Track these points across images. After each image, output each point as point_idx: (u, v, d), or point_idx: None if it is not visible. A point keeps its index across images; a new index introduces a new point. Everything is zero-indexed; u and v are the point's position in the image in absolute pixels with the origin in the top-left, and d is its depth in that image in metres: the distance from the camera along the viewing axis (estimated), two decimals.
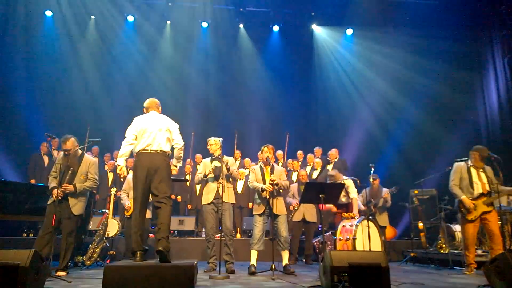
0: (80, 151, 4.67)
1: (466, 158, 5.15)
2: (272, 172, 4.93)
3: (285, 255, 4.90)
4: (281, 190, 4.96)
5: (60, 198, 4.35)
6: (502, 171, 4.86)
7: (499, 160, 4.84)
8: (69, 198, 4.42)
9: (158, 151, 3.78)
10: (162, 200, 3.68)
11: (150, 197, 3.84)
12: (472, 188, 4.92)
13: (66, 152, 4.51)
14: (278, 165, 5.66)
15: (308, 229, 6.47)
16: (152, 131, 3.84)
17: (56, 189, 4.36)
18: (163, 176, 3.72)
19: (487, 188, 4.89)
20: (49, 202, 4.46)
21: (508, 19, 8.83)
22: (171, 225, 6.92)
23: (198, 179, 5.21)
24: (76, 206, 4.48)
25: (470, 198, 4.91)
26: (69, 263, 4.56)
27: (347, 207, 5.97)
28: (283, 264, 4.87)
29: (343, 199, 5.99)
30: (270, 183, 4.75)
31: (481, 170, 5.00)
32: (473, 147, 5.12)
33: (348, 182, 5.98)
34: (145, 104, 4.16)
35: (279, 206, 4.86)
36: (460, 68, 9.93)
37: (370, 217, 5.49)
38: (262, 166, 5.07)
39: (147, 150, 3.77)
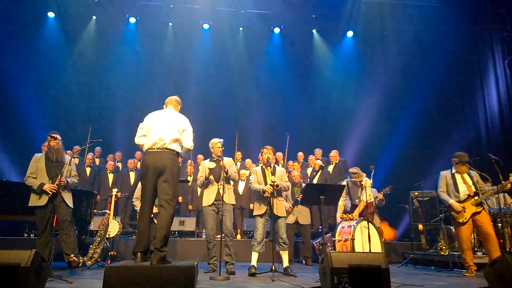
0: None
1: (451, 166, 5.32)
2: (273, 173, 4.94)
3: (285, 256, 4.91)
4: (282, 189, 4.97)
5: (55, 191, 4.40)
6: (501, 173, 4.87)
7: (499, 162, 4.86)
8: (62, 192, 4.52)
9: (164, 150, 3.62)
10: (162, 203, 3.51)
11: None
12: (458, 192, 5.10)
13: (55, 143, 4.53)
14: (278, 166, 5.67)
15: (303, 231, 6.48)
16: (159, 127, 3.70)
17: (48, 185, 4.42)
18: (167, 176, 3.54)
19: (473, 189, 5.04)
20: (39, 203, 4.41)
21: (509, 21, 8.85)
22: (171, 226, 7.01)
23: (201, 182, 5.14)
24: (69, 200, 4.63)
25: (458, 201, 5.05)
26: (66, 262, 4.65)
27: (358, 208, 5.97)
28: (284, 266, 4.88)
29: (357, 200, 5.96)
30: (270, 185, 4.76)
31: (466, 174, 5.17)
32: (454, 154, 5.32)
33: (368, 183, 5.94)
34: (166, 99, 4.09)
35: (279, 207, 4.87)
36: (460, 70, 9.95)
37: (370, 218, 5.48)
38: (264, 167, 5.08)
39: (154, 149, 3.62)
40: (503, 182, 4.96)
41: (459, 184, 5.13)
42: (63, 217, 4.52)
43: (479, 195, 4.97)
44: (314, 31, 10.99)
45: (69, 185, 4.62)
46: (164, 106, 4.03)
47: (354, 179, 5.92)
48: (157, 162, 3.56)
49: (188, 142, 3.83)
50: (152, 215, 3.75)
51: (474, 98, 9.82)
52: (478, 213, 4.93)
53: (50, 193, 4.40)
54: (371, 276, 3.19)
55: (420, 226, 7.15)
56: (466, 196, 5.04)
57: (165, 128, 3.71)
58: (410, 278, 4.63)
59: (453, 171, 5.24)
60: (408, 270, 5.84)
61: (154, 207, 3.75)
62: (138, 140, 3.84)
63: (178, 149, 3.74)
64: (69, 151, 7.96)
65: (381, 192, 6.29)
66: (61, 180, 4.42)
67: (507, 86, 8.86)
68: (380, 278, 3.19)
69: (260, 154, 5.33)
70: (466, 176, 5.16)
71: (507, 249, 5.43)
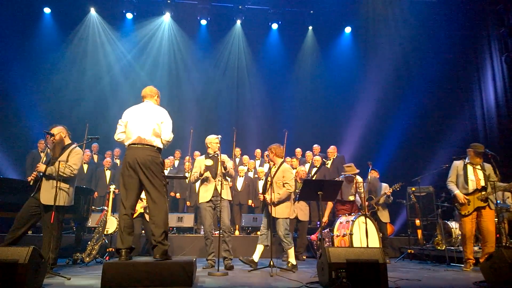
0: (68, 141, 4.49)
1: (464, 156, 5.23)
2: (276, 172, 4.95)
3: (289, 253, 4.88)
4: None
5: (32, 178, 4.20)
6: (498, 168, 4.90)
7: (496, 157, 4.88)
8: (42, 186, 4.15)
9: (145, 146, 3.57)
10: (154, 199, 3.48)
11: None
12: (467, 184, 5.04)
13: (52, 139, 4.31)
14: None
15: (300, 227, 6.51)
16: (137, 123, 3.64)
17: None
18: (151, 172, 3.50)
19: (482, 184, 4.99)
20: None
21: (506, 17, 8.85)
22: (169, 222, 7.01)
23: (194, 178, 5.11)
24: (47, 195, 4.11)
25: (465, 194, 5.02)
26: (65, 259, 4.51)
27: (352, 205, 5.98)
28: (288, 261, 4.89)
29: (351, 197, 5.98)
30: (262, 196, 4.97)
31: (478, 167, 5.08)
32: (470, 145, 5.21)
33: (359, 180, 5.97)
34: (141, 93, 3.94)
35: (278, 210, 4.83)
36: (458, 66, 9.96)
37: (368, 214, 5.50)
38: (270, 165, 5.13)
39: (135, 144, 3.59)
40: None
41: (470, 176, 5.05)
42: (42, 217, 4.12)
43: (487, 190, 4.93)
44: (310, 28, 10.96)
45: (47, 173, 4.13)
46: (143, 99, 3.91)
47: (348, 173, 5.92)
48: (138, 158, 3.52)
49: (167, 134, 3.74)
50: (136, 213, 3.66)
51: (472, 94, 9.83)
52: (482, 208, 4.91)
53: (30, 182, 4.20)
54: (368, 271, 3.21)
55: (417, 221, 7.19)
56: (473, 190, 4.99)
57: (143, 123, 3.65)
58: (407, 273, 4.66)
59: (466, 161, 5.16)
60: (405, 264, 5.88)
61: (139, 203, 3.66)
62: (117, 136, 3.80)
63: (159, 144, 3.69)
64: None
65: (391, 188, 6.31)
66: (38, 166, 4.18)
67: (504, 82, 8.85)
68: (378, 273, 3.22)
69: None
70: (478, 168, 5.08)
71: (504, 244, 5.47)
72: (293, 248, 4.89)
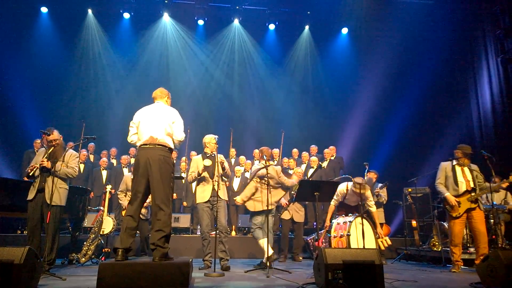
0: (63, 143, 4.59)
1: (451, 158, 5.24)
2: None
3: (262, 246, 4.95)
4: None
5: (32, 169, 4.26)
6: (494, 169, 4.92)
7: (492, 159, 4.90)
8: (46, 186, 4.22)
9: (156, 146, 3.55)
10: (159, 203, 3.44)
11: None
12: (457, 186, 5.02)
13: (54, 143, 4.38)
14: (274, 162, 5.70)
15: (296, 228, 6.50)
16: (149, 124, 3.64)
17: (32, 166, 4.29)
18: (160, 174, 3.46)
19: (472, 185, 4.99)
20: (29, 197, 4.28)
21: (502, 18, 8.90)
22: None
23: (192, 178, 5.09)
24: (56, 196, 4.25)
25: (455, 196, 4.99)
26: (60, 259, 4.51)
27: (349, 210, 5.97)
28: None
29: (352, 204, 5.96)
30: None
31: (467, 167, 5.09)
32: (458, 146, 5.22)
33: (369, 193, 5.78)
34: (152, 94, 3.94)
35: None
36: (454, 68, 10.01)
37: (364, 214, 5.49)
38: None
39: (146, 145, 3.57)
40: (504, 180, 5.00)
41: (459, 178, 5.02)
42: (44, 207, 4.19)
43: (476, 192, 4.95)
44: (307, 27, 10.97)
45: (52, 169, 4.22)
46: (154, 100, 3.93)
47: (355, 189, 5.50)
48: (150, 158, 3.50)
49: (179, 134, 3.76)
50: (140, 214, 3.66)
51: (468, 95, 9.88)
52: (472, 209, 4.91)
53: (29, 171, 4.24)
54: (365, 272, 3.21)
55: (414, 222, 7.20)
56: (464, 191, 4.98)
57: (155, 123, 3.64)
58: (404, 274, 4.68)
59: (454, 163, 5.14)
60: (401, 266, 5.89)
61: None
62: (131, 138, 3.80)
63: (171, 144, 3.68)
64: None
65: (378, 189, 6.31)
66: (42, 161, 4.22)
67: (500, 84, 8.90)
68: (374, 274, 3.22)
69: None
70: (466, 169, 5.07)
71: (500, 245, 5.49)
72: (263, 240, 4.87)
